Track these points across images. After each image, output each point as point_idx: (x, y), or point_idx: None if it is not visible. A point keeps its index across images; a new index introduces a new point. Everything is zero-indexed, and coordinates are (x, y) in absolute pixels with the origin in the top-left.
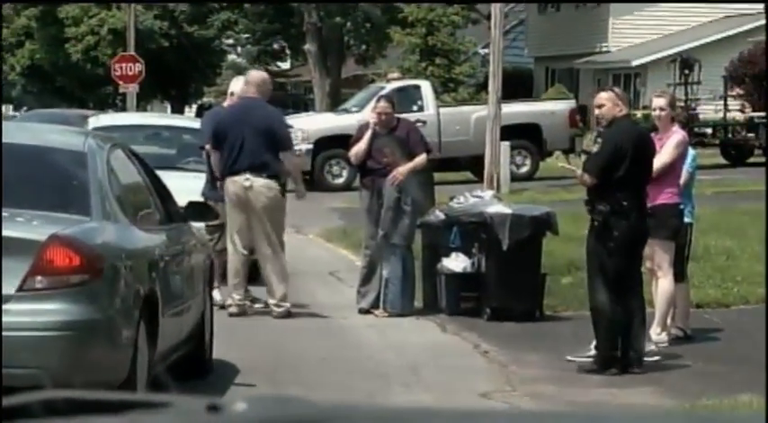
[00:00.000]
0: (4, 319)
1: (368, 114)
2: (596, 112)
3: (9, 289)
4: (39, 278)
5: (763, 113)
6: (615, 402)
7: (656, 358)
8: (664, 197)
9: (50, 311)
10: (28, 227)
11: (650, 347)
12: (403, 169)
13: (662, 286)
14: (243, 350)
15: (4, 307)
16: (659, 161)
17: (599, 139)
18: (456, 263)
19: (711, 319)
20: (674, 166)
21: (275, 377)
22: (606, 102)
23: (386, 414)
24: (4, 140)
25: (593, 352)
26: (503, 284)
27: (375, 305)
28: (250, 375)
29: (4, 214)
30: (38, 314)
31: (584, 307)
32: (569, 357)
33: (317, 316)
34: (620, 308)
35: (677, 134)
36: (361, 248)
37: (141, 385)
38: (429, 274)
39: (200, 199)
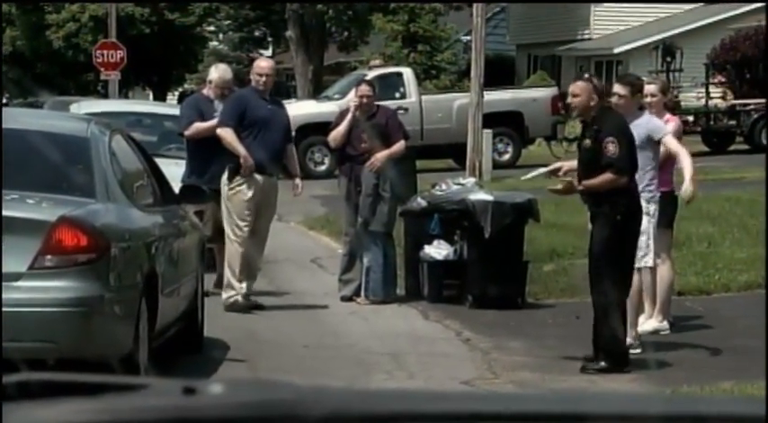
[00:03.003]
0: (16, 295)
1: (349, 98)
2: (570, 99)
3: (21, 267)
4: (48, 257)
5: (744, 101)
6: (596, 388)
7: (638, 351)
8: (663, 185)
9: (59, 288)
10: (38, 208)
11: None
12: (381, 155)
13: (661, 273)
14: (223, 337)
15: (15, 284)
16: (668, 148)
17: (610, 138)
18: (438, 250)
19: (693, 306)
20: (671, 154)
21: (256, 365)
22: (582, 92)
23: (361, 396)
24: (12, 127)
25: (629, 341)
26: (485, 272)
27: (357, 293)
28: (230, 363)
29: (14, 197)
30: (47, 291)
31: (565, 294)
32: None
33: (298, 303)
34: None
35: (672, 121)
36: (342, 236)
37: (142, 359)
38: (411, 261)
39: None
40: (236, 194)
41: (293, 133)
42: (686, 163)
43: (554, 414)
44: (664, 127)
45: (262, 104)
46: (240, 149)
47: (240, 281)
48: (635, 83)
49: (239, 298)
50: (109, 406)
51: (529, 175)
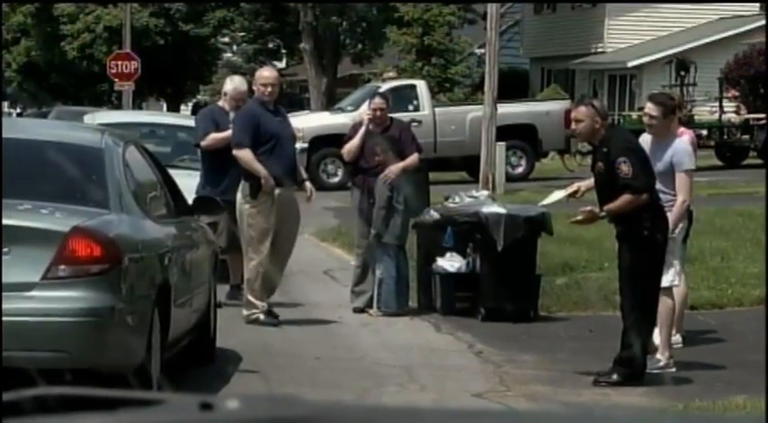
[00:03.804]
0: (29, 305)
1: (363, 111)
2: (573, 125)
3: (34, 277)
4: (62, 267)
5: (757, 115)
6: (608, 403)
7: (673, 370)
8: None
9: (72, 298)
10: (51, 219)
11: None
12: (395, 168)
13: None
14: (236, 348)
15: (28, 294)
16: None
17: (621, 159)
18: (451, 263)
19: (705, 320)
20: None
21: (269, 376)
22: (585, 118)
23: (376, 413)
24: (27, 137)
25: (662, 362)
26: (497, 285)
27: (369, 304)
28: (243, 374)
29: (27, 207)
30: (60, 301)
31: (578, 308)
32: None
33: (311, 315)
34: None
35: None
36: (354, 248)
37: (155, 370)
38: (424, 273)
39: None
40: (259, 213)
41: (307, 145)
42: (678, 207)
43: None
44: (686, 161)
45: (270, 117)
46: (261, 170)
47: (261, 299)
48: (667, 103)
49: (261, 316)
50: (125, 421)
51: (547, 201)
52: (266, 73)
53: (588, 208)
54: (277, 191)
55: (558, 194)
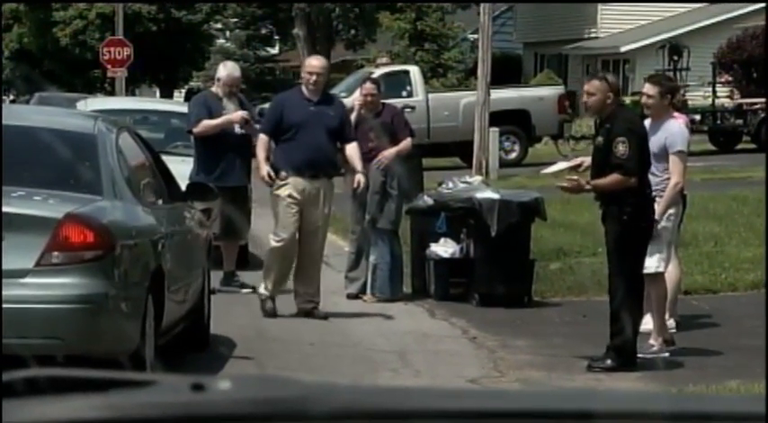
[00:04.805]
0: (23, 292)
1: (355, 97)
2: (585, 98)
3: (27, 263)
4: (55, 254)
5: (751, 100)
6: (602, 388)
7: (666, 355)
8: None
9: (66, 285)
10: (45, 205)
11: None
12: (388, 153)
13: (668, 272)
14: (230, 335)
15: (22, 280)
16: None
17: (620, 138)
18: (444, 248)
19: (699, 305)
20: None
21: (263, 362)
22: (597, 91)
23: (368, 393)
24: (20, 124)
25: (656, 347)
26: (491, 270)
27: (363, 290)
28: (237, 360)
29: (21, 193)
30: (54, 288)
31: (572, 293)
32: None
33: None
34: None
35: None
36: (348, 233)
37: (149, 356)
38: (418, 259)
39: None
40: (277, 197)
41: None
42: (670, 189)
43: (561, 411)
44: (679, 143)
45: (302, 106)
46: (259, 158)
47: (276, 283)
48: (665, 84)
49: (269, 302)
50: (117, 402)
51: (549, 170)
52: (314, 62)
53: (576, 177)
54: (298, 180)
55: (561, 165)
